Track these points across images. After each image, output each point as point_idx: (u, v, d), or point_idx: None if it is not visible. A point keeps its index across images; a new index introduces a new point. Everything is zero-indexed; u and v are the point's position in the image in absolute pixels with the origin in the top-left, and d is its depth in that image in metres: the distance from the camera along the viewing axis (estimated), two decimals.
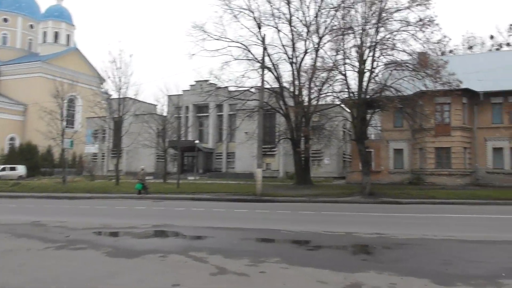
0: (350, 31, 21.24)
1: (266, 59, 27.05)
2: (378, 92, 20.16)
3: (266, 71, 27.62)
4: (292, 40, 27.51)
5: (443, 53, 22.16)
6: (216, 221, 12.11)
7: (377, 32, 20.16)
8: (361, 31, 20.51)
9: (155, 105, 54.46)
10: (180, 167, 37.67)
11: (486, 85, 27.74)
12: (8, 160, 48.43)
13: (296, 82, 27.04)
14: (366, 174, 20.28)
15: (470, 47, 47.08)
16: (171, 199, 20.21)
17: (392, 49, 19.78)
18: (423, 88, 20.01)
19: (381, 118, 31.98)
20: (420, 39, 18.96)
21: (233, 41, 26.88)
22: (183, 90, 54.12)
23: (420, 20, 18.79)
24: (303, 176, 26.70)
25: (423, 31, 18.82)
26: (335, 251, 7.48)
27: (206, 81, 53.98)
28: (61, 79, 66.54)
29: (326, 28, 25.61)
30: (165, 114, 49.53)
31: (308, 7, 26.15)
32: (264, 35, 24.03)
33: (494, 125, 28.53)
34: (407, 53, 19.87)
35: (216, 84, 52.70)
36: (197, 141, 48.85)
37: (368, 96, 20.26)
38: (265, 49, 23.79)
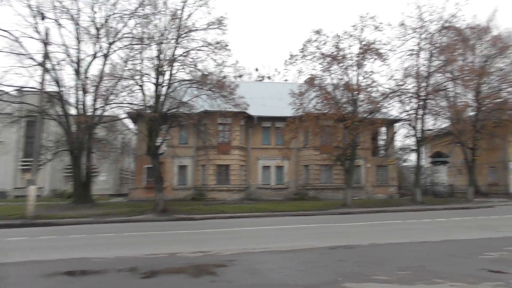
0: (145, 42, 20.54)
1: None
2: (175, 107, 20.00)
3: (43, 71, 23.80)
4: (78, 39, 24.50)
5: (235, 77, 23.75)
6: None
7: (175, 47, 20.11)
8: (159, 43, 20.08)
9: None
10: None
11: (258, 111, 31.53)
12: None
13: (80, 88, 24.11)
14: (159, 190, 19.62)
15: (240, 76, 53.14)
16: None
17: (190, 66, 20.09)
18: (216, 108, 20.97)
19: (166, 134, 32.01)
20: (215, 60, 19.90)
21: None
22: None
23: (217, 43, 19.76)
24: (83, 194, 23.77)
25: (217, 54, 19.86)
26: (177, 276, 6.60)
27: None
28: None
29: (117, 33, 23.96)
30: None
31: (100, 8, 23.88)
32: (48, 28, 20.45)
33: (264, 145, 32.57)
34: (203, 72, 20.50)
35: None
36: None
37: (164, 111, 19.81)
38: (46, 44, 20.32)
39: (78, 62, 24.41)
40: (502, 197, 30.22)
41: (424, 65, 25.33)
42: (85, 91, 23.31)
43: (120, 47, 22.85)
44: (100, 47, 24.61)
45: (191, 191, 30.74)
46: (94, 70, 24.68)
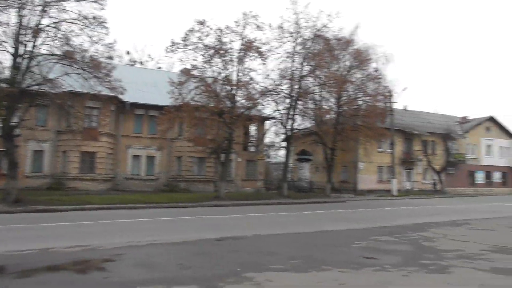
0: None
1: None
2: (38, 83, 17.54)
3: None
4: None
5: (109, 58, 21.82)
6: None
7: (42, 16, 17.64)
8: (20, 8, 17.37)
9: None
10: None
11: (131, 97, 29.78)
12: None
13: None
14: (13, 177, 17.01)
15: (110, 57, 49.30)
16: None
17: (59, 40, 17.86)
18: (87, 89, 19.03)
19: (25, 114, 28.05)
20: (91, 37, 18.08)
21: None
22: None
23: (94, 18, 17.97)
24: None
25: (94, 30, 18.08)
26: (63, 274, 5.80)
27: None
28: None
29: None
30: None
31: None
32: None
33: (136, 134, 31.00)
34: (74, 49, 18.42)
35: None
36: None
37: (24, 86, 17.20)
38: None
39: None
40: (351, 193, 34.33)
41: (297, 68, 27.15)
42: None
43: None
44: None
45: (48, 179, 27.53)
46: None
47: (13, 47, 17.63)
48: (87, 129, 27.64)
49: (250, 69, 24.14)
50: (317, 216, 15.80)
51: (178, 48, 23.33)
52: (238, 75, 23.84)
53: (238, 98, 23.94)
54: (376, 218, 15.30)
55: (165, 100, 30.47)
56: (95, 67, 18.14)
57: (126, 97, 28.91)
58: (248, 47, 23.34)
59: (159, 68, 46.04)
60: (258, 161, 34.94)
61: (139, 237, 9.31)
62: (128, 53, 53.26)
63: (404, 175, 40.11)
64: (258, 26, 23.81)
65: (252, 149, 35.73)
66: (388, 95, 28.77)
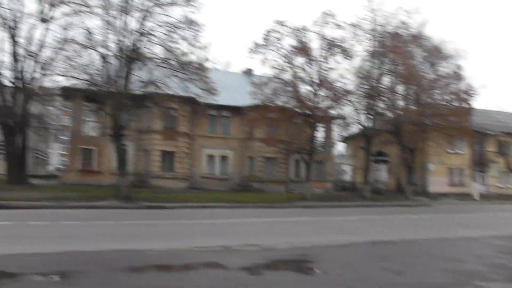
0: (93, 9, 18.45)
1: None
2: (143, 86, 18.29)
3: None
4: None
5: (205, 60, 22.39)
6: None
7: (143, 21, 18.29)
8: (123, 14, 18.12)
9: None
10: None
11: (205, 98, 30.37)
12: None
13: (22, 57, 20.83)
14: (122, 175, 17.86)
15: (205, 59, 50.49)
16: None
17: (159, 44, 18.52)
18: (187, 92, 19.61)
19: (99, 113, 29.39)
20: (189, 40, 18.57)
21: None
22: None
23: (191, 21, 18.48)
24: (18, 174, 20.69)
25: (190, 32, 18.54)
26: (281, 274, 6.00)
27: None
28: None
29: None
30: None
31: None
32: None
33: (210, 134, 31.63)
34: (173, 52, 19.00)
35: None
36: None
37: (131, 89, 17.98)
38: None
39: (15, 26, 21.08)
40: (422, 196, 33.31)
41: (375, 66, 26.74)
42: (34, 59, 20.22)
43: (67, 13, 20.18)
44: (42, 11, 21.53)
45: (131, 177, 28.57)
46: (47, 37, 21.17)
47: (117, 52, 18.44)
48: (167, 129, 28.52)
49: (331, 68, 24.02)
50: (430, 220, 15.49)
51: (259, 49, 23.63)
52: (319, 75, 23.74)
53: (322, 98, 23.84)
54: (494, 224, 14.77)
55: (238, 101, 31.08)
56: (194, 69, 18.62)
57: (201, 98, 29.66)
58: (333, 45, 23.23)
59: (231, 69, 46.72)
60: (327, 162, 34.68)
61: (293, 237, 9.43)
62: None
63: (478, 178, 38.47)
64: (338, 25, 23.67)
65: (320, 149, 35.49)
66: (471, 94, 27.64)
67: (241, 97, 30.15)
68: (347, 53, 23.46)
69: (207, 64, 19.00)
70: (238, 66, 47.40)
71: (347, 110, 28.02)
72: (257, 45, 23.64)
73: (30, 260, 6.20)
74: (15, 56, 20.80)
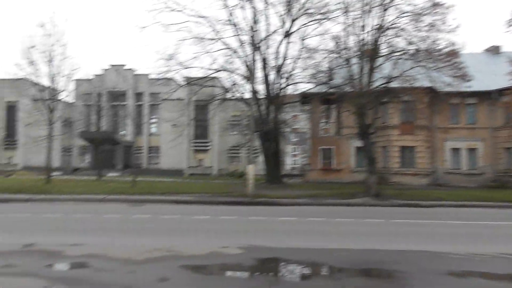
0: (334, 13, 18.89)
1: (230, 40, 23.42)
2: (385, 82, 17.99)
3: (231, 54, 23.98)
4: (254, 18, 23.95)
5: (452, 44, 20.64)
6: (252, 236, 8.40)
7: (383, 16, 17.89)
8: (364, 12, 18.11)
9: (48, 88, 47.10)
10: (100, 163, 31.53)
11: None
12: None
13: (269, 68, 23.75)
14: (371, 172, 17.92)
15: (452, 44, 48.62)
16: (147, 202, 15.39)
17: (402, 36, 17.77)
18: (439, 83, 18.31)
19: (338, 114, 30.53)
20: (435, 25, 17.18)
21: (199, 16, 22.54)
22: (95, 75, 46.26)
23: (437, 4, 17.05)
24: (274, 174, 23.50)
25: (439, 17, 17.11)
26: None
27: (123, 65, 47.80)
28: None
29: (303, 8, 22.77)
30: (72, 100, 42.33)
31: None
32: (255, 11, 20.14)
33: (452, 125, 28.76)
34: (413, 42, 17.98)
35: (133, 70, 47.06)
36: (124, 132, 42.53)
37: (374, 86, 17.95)
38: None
39: (260, 42, 23.96)
40: None
41: None
42: (279, 71, 22.77)
43: (313, 21, 21.58)
44: (292, 24, 23.64)
45: None
46: (284, 48, 24.21)
47: (358, 50, 18.63)
48: (404, 123, 27.37)
49: None
50: None
51: None
52: None
53: None
54: None
55: (484, 84, 27.19)
56: (443, 56, 17.12)
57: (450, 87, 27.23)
58: None
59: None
60: None
61: None
62: None
63: None
64: None
65: None
66: None
67: (489, 79, 26.29)
68: None
69: (456, 48, 17.16)
70: (476, 46, 41.52)
71: None
72: None
73: (338, 255, 6.64)
74: (265, 71, 23.70)
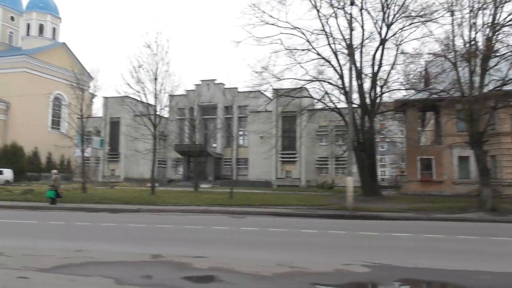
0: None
1: (323, 50, 23.08)
2: (500, 85, 16.31)
3: (323, 63, 23.66)
4: (349, 26, 23.32)
5: None
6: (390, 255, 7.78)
7: (497, 10, 16.26)
8: (474, 11, 16.61)
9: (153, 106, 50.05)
10: (197, 174, 32.76)
11: None
12: None
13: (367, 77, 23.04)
14: (485, 184, 16.25)
15: None
16: (247, 214, 15.56)
17: None
18: None
19: (438, 121, 28.54)
20: None
21: (292, 27, 22.64)
22: (186, 90, 48.67)
23: None
24: (371, 186, 22.50)
25: None
26: None
27: (213, 80, 49.80)
28: (47, 76, 61.10)
29: (400, 11, 21.72)
30: (166, 115, 44.83)
31: None
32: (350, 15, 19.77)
33: None
34: None
35: (224, 84, 48.74)
36: (215, 145, 44.23)
37: (490, 90, 16.35)
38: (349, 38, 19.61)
39: (359, 48, 23.29)
40: None
41: None
42: (374, 79, 21.97)
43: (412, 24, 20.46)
44: (388, 29, 22.73)
45: (476, 186, 26.18)
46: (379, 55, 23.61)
47: (466, 52, 17.14)
48: None
49: None
50: None
51: None
52: None
53: None
54: None
55: None
56: None
57: None
58: None
59: None
60: None
61: None
62: None
63: None
64: None
65: None
66: None
67: None
68: None
69: None
70: None
71: None
72: None
73: (478, 278, 5.96)
74: (359, 79, 22.95)
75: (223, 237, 9.95)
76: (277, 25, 22.80)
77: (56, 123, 61.41)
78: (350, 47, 18.61)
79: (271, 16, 22.48)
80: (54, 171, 19.41)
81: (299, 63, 23.46)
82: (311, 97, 25.86)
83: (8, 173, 38.00)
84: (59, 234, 10.20)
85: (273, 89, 26.58)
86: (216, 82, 48.61)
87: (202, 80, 49.30)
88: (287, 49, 23.21)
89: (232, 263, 6.63)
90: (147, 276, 5.84)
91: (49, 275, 5.69)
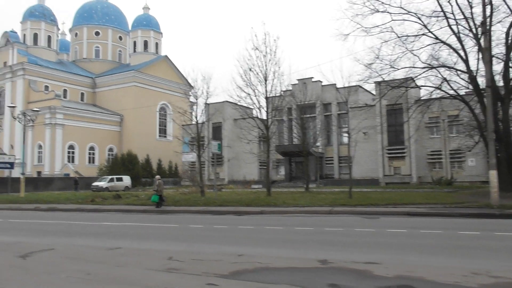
0: None
1: (439, 33, 21.09)
2: None
3: (440, 48, 21.71)
4: (470, 2, 20.89)
5: None
6: None
7: None
8: None
9: (251, 109, 50.61)
10: (306, 175, 32.35)
11: None
12: (111, 170, 46.38)
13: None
14: None
15: None
16: (377, 214, 14.66)
17: None
18: None
19: None
20: None
21: (406, 12, 21.07)
22: (283, 91, 48.41)
23: None
24: (509, 180, 19.93)
25: None
26: None
27: (310, 78, 48.98)
28: (153, 88, 65.91)
29: None
30: (264, 117, 45.08)
31: None
32: None
33: None
34: None
35: (321, 81, 47.72)
36: (318, 144, 43.59)
37: None
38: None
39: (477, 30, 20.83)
40: None
41: None
42: (506, 61, 19.48)
43: None
44: None
45: None
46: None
47: None
48: None
49: None
50: None
51: None
52: None
53: None
54: None
55: None
56: None
57: None
58: None
59: None
60: None
61: None
62: None
63: None
64: None
65: None
66: None
67: None
68: None
69: None
70: None
71: None
72: None
73: None
74: (488, 61, 20.50)
75: (376, 240, 9.23)
76: (388, 12, 21.38)
77: (162, 132, 65.90)
78: (483, 24, 16.55)
79: (382, 3, 21.13)
80: (158, 176, 20.49)
81: (410, 51, 21.78)
82: (426, 86, 23.88)
83: (127, 180, 41.37)
84: (207, 238, 10.34)
85: (379, 82, 25.11)
86: (313, 80, 47.87)
87: (299, 79, 48.87)
88: (398, 37, 21.68)
89: (417, 271, 5.93)
90: (333, 285, 5.41)
91: (236, 282, 5.53)
